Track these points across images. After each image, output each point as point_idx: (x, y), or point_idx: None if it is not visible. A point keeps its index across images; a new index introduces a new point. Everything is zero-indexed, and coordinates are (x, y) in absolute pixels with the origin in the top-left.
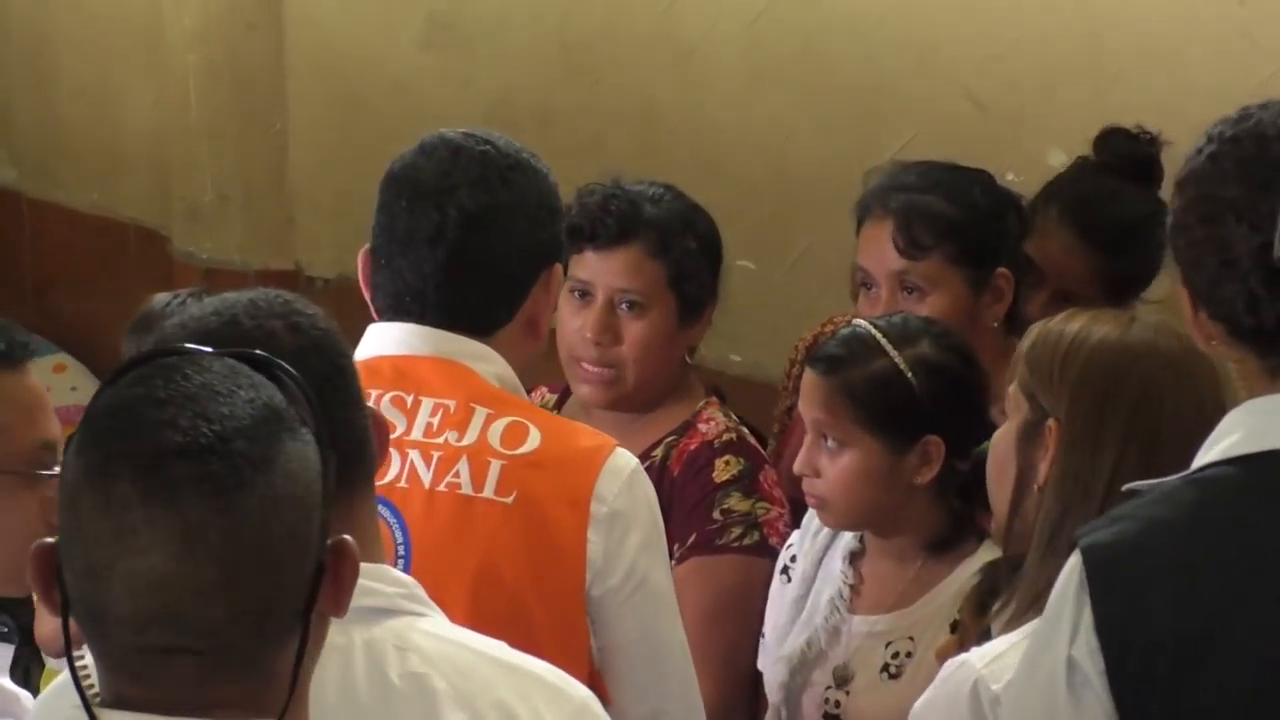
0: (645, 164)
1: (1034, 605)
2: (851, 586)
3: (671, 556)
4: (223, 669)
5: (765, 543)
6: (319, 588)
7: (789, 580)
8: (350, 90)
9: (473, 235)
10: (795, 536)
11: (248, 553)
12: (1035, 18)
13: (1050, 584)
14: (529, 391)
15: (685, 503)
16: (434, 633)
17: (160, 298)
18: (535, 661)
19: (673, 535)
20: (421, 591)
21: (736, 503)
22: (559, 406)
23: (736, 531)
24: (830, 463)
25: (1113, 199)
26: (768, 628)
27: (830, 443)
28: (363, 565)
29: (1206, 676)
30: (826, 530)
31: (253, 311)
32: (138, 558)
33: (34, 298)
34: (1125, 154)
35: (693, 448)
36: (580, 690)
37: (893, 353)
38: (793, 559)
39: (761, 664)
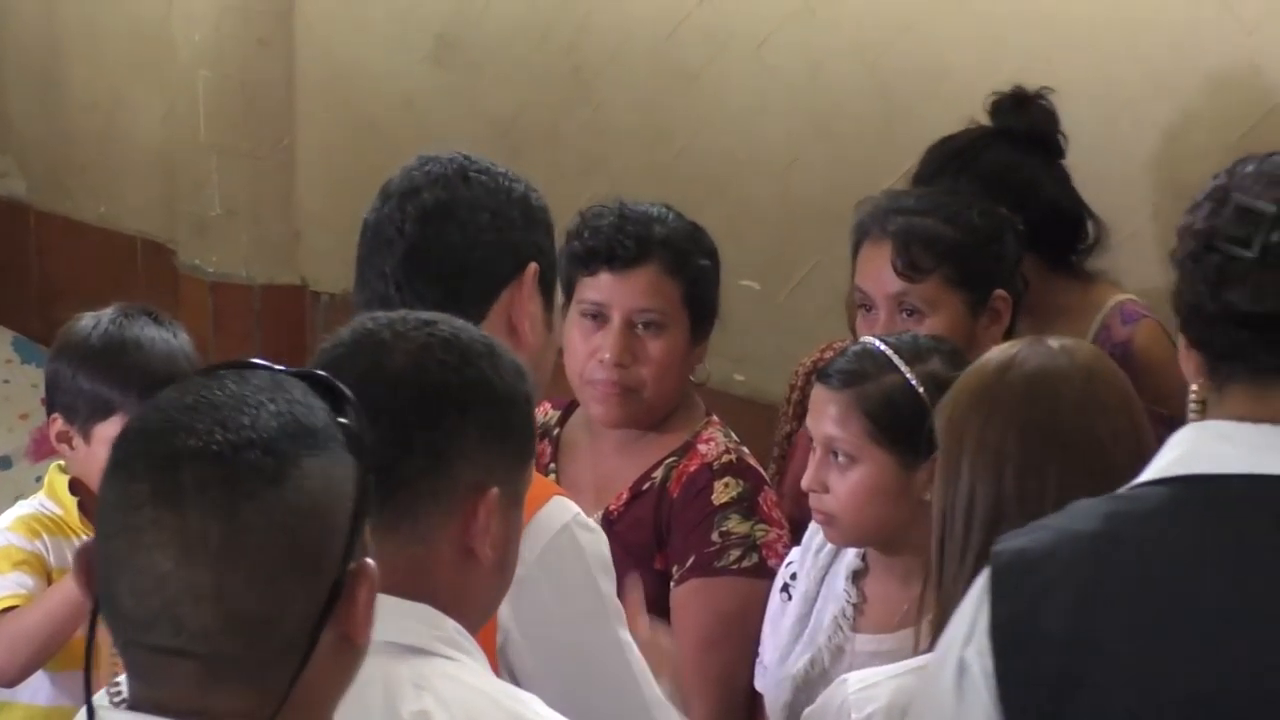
0: (652, 185)
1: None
2: (855, 606)
3: (671, 578)
4: (224, 677)
5: (764, 564)
6: (332, 609)
7: (789, 598)
8: (359, 108)
9: (429, 229)
10: (795, 553)
11: (246, 563)
12: (1043, 45)
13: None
14: None
15: (684, 525)
16: (456, 676)
17: (85, 320)
18: (556, 718)
19: (672, 557)
20: (462, 637)
21: (735, 525)
22: (561, 424)
23: (735, 554)
24: (840, 478)
25: (1010, 172)
26: (768, 648)
27: (840, 458)
28: (407, 603)
29: (1088, 690)
30: (829, 548)
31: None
32: (143, 555)
33: (40, 309)
34: (1017, 122)
35: (692, 469)
36: None
37: (905, 369)
38: (793, 576)
39: (760, 685)
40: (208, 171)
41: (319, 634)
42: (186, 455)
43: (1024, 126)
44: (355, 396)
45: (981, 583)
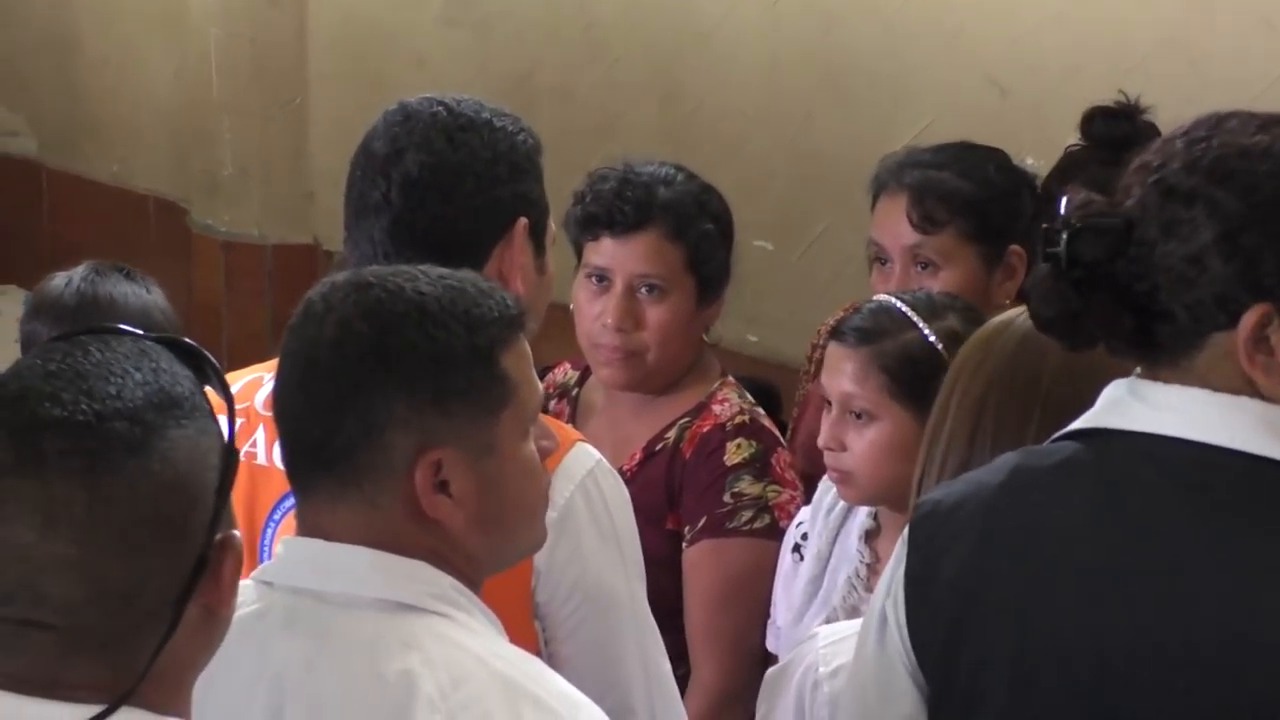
0: (664, 144)
1: None
2: (869, 566)
3: (683, 538)
4: (83, 649)
5: (776, 526)
6: (198, 581)
7: (800, 559)
8: (371, 66)
9: (414, 198)
10: (805, 513)
11: (111, 534)
12: (1058, 4)
13: None
14: (553, 368)
15: (696, 485)
16: (446, 635)
17: (57, 280)
18: (548, 682)
19: (684, 518)
20: (460, 594)
21: (747, 486)
22: (580, 385)
23: (747, 515)
24: (857, 436)
25: (1099, 193)
26: (780, 609)
27: (857, 415)
28: (401, 560)
29: (974, 639)
30: (840, 508)
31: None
32: (4, 527)
33: (53, 268)
34: (1106, 136)
35: (705, 430)
36: (584, 718)
37: (922, 325)
38: (804, 537)
39: (772, 646)
40: (219, 130)
41: (184, 606)
42: (50, 424)
43: (1116, 138)
44: (300, 369)
45: (903, 535)
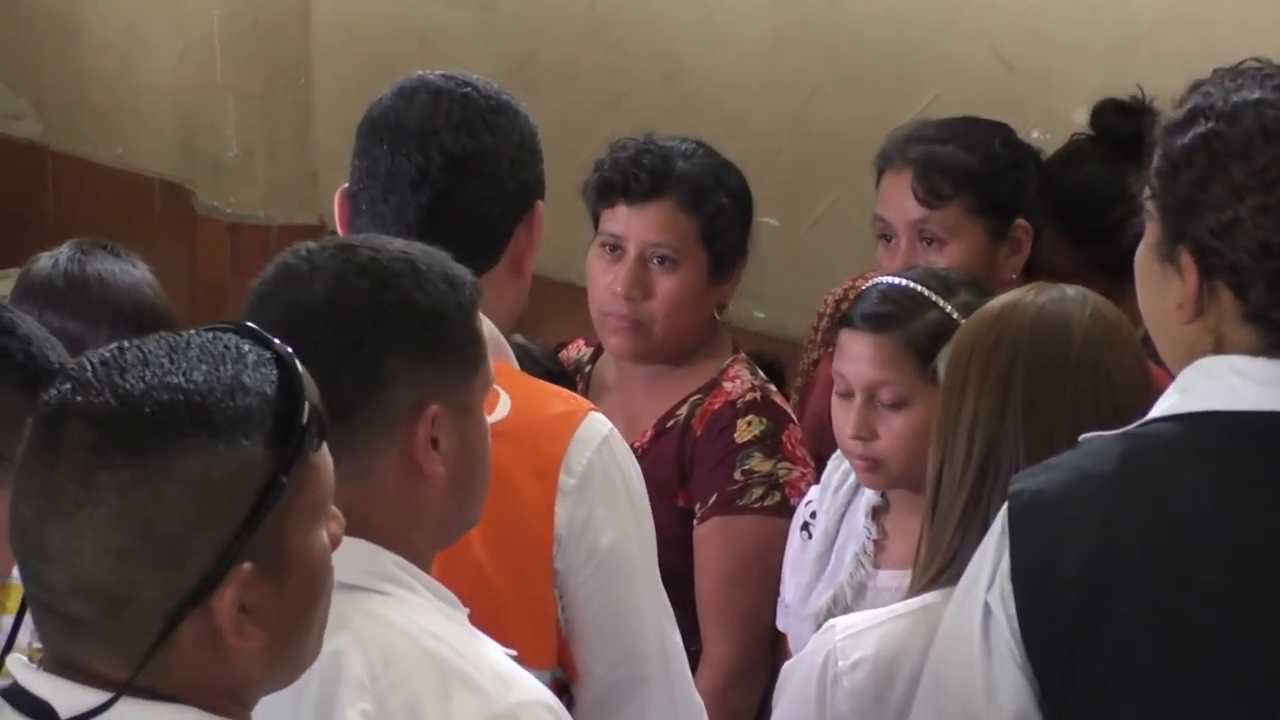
0: (668, 122)
1: (930, 566)
2: (875, 542)
3: (694, 515)
4: (81, 637)
5: (787, 503)
6: (195, 604)
7: (809, 537)
8: (375, 46)
9: (457, 179)
10: (814, 492)
11: (94, 533)
12: None
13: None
14: (566, 344)
15: (707, 462)
16: (378, 613)
17: (43, 260)
18: (482, 659)
19: (694, 495)
20: (402, 570)
21: (758, 463)
22: (594, 361)
23: (758, 492)
24: (890, 422)
25: (1094, 191)
26: (789, 587)
27: (887, 401)
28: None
29: (1107, 633)
30: (848, 486)
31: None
32: (18, 500)
33: None
34: (1113, 131)
35: (716, 407)
36: (515, 696)
37: (942, 303)
38: (812, 515)
39: (782, 625)
40: (224, 112)
41: (175, 624)
42: (73, 410)
43: (1123, 135)
44: (280, 335)
45: (1000, 524)
